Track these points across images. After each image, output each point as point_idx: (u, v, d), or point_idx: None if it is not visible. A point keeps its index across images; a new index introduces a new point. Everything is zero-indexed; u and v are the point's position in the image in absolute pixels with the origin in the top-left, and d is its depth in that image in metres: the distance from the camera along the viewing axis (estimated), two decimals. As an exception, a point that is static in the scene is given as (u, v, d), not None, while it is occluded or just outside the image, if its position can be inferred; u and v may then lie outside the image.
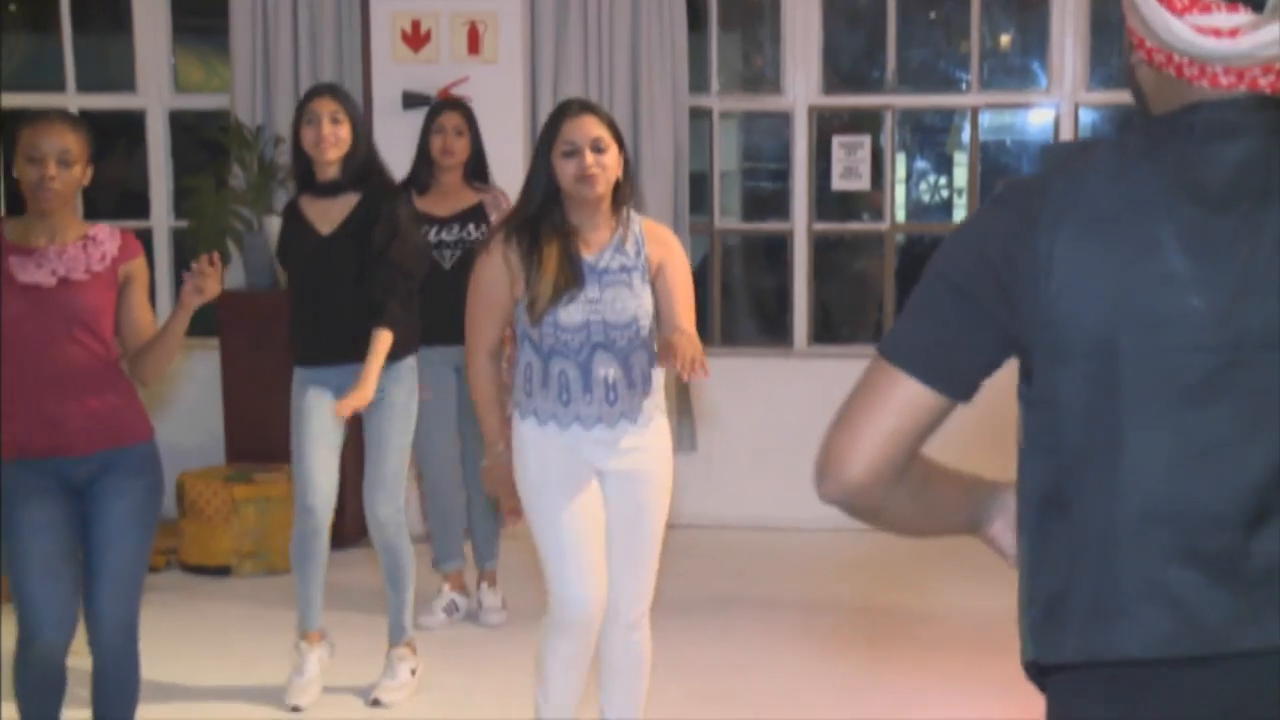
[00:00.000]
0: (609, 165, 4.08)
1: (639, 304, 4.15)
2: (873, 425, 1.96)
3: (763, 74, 8.42)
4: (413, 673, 5.36)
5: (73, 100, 8.02)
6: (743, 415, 7.77)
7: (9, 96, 8.17)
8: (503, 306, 4.18)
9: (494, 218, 5.96)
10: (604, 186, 4.09)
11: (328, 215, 5.19)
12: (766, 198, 8.91)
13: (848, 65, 8.39)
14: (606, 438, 4.17)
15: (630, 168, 4.23)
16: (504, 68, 7.39)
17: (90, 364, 4.07)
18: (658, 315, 4.21)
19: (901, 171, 8.61)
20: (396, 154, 7.32)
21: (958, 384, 1.97)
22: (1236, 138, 1.84)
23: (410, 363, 5.32)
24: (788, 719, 5.12)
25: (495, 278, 4.15)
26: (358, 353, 5.04)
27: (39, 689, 4.16)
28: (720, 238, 8.21)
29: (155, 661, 5.49)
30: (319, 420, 5.20)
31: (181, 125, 8.10)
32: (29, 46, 9.25)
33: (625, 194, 4.19)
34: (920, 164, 9.49)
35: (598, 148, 4.06)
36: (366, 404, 4.98)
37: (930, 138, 9.41)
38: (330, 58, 7.52)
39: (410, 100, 7.31)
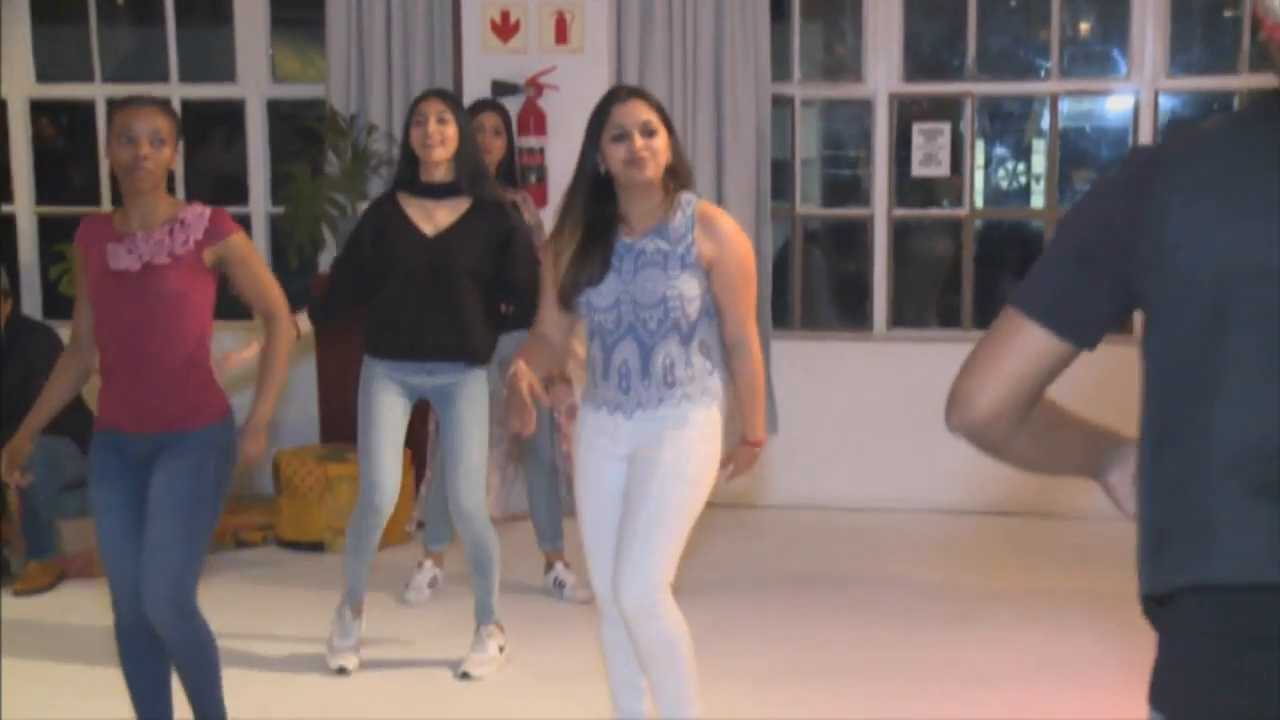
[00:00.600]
0: (659, 149, 3.99)
1: (669, 286, 3.99)
2: (998, 367, 2.07)
3: (844, 62, 8.36)
4: (500, 649, 5.36)
5: (175, 90, 8.08)
6: (822, 398, 7.74)
7: (115, 87, 8.25)
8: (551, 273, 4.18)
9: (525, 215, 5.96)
10: (654, 170, 3.99)
11: (432, 217, 5.15)
12: (847, 184, 8.86)
13: (928, 53, 8.32)
14: (624, 425, 4.10)
15: (682, 152, 4.14)
16: (590, 57, 7.38)
17: (167, 349, 4.10)
18: (718, 311, 4.11)
19: (980, 158, 8.53)
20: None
21: (1080, 332, 2.03)
22: None
23: (483, 384, 5.28)
24: (866, 693, 5.08)
25: (549, 263, 4.15)
26: (439, 354, 5.10)
27: (131, 655, 4.25)
28: (801, 223, 8.16)
29: (245, 622, 5.56)
30: (390, 420, 5.21)
31: (278, 114, 8.15)
32: (135, 39, 9.34)
33: (680, 178, 4.09)
34: (999, 150, 9.40)
35: (647, 131, 3.97)
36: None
37: (1009, 124, 9.31)
38: (422, 48, 7.54)
39: (499, 89, 7.31)
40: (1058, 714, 4.88)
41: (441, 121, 5.09)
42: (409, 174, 5.23)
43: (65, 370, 4.30)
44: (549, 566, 6.23)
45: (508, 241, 5.15)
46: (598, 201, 4.07)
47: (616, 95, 4.10)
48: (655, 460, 4.01)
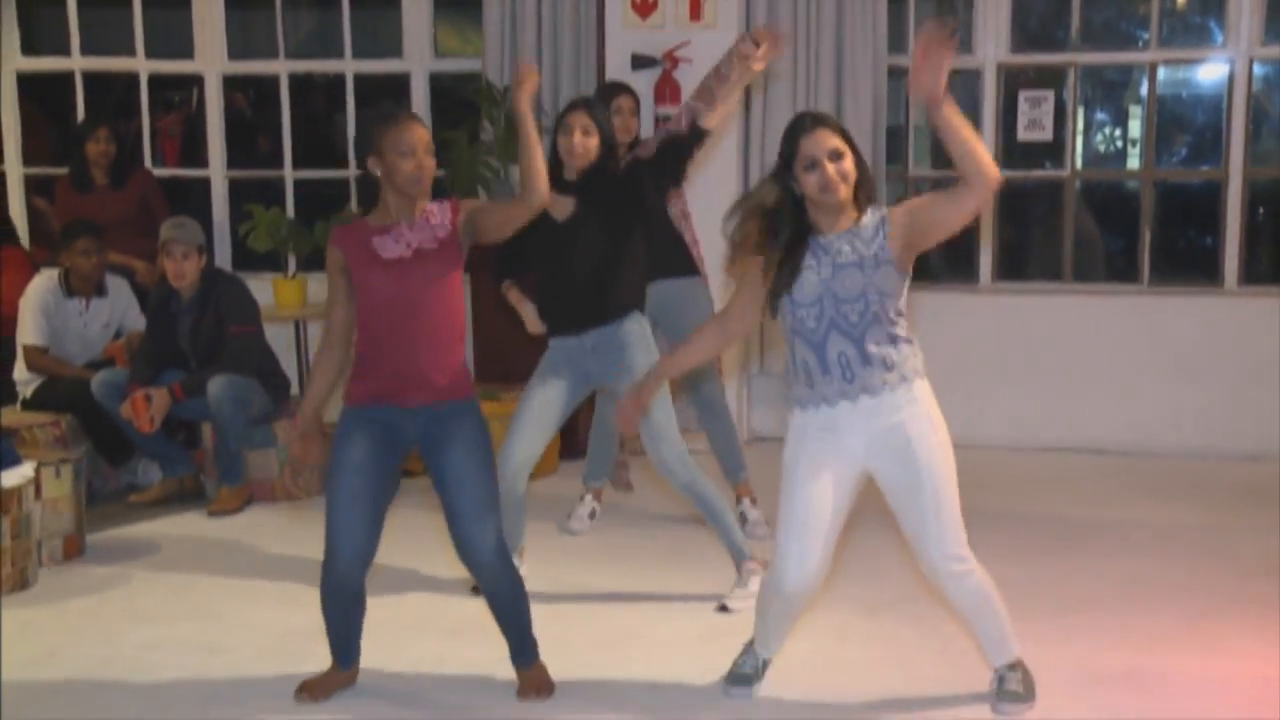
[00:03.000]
0: (848, 171, 3.93)
1: (868, 281, 3.96)
2: None
3: (955, 35, 8.19)
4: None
5: (348, 65, 8.12)
6: (932, 344, 7.49)
7: (296, 63, 8.31)
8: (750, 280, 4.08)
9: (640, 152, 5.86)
10: (845, 192, 3.93)
11: (563, 206, 5.11)
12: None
13: (1034, 25, 8.13)
14: (853, 412, 4.02)
15: (866, 167, 4.03)
16: (722, 32, 7.28)
17: (439, 327, 4.13)
18: (933, 224, 3.98)
19: (1081, 124, 8.34)
20: (625, 109, 7.33)
21: None
22: None
23: (640, 324, 5.20)
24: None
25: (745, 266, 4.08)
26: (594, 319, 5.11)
27: (338, 605, 4.27)
28: (914, 184, 8.05)
29: (405, 545, 5.60)
30: (541, 389, 5.15)
31: (440, 86, 8.16)
32: (314, 20, 9.41)
33: (866, 192, 4.02)
34: (1099, 116, 9.19)
35: (835, 157, 3.91)
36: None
37: (1109, 92, 9.10)
38: (569, 25, 7.52)
39: (638, 62, 7.26)
40: (1150, 635, 4.77)
41: (585, 134, 5.06)
42: (554, 171, 5.09)
43: (326, 366, 4.21)
44: (738, 500, 6.11)
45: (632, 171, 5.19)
46: (796, 221, 4.00)
47: (802, 126, 3.99)
48: (908, 433, 4.04)
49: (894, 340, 4.04)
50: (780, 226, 4.00)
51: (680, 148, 5.18)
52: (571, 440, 6.98)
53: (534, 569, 5.34)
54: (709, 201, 7.36)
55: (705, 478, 5.19)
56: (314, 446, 4.23)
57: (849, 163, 3.94)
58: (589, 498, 6.17)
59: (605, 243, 5.11)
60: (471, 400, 4.20)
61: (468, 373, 4.23)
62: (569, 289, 5.12)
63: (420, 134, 4.12)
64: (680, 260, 5.98)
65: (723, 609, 5.09)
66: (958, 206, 3.89)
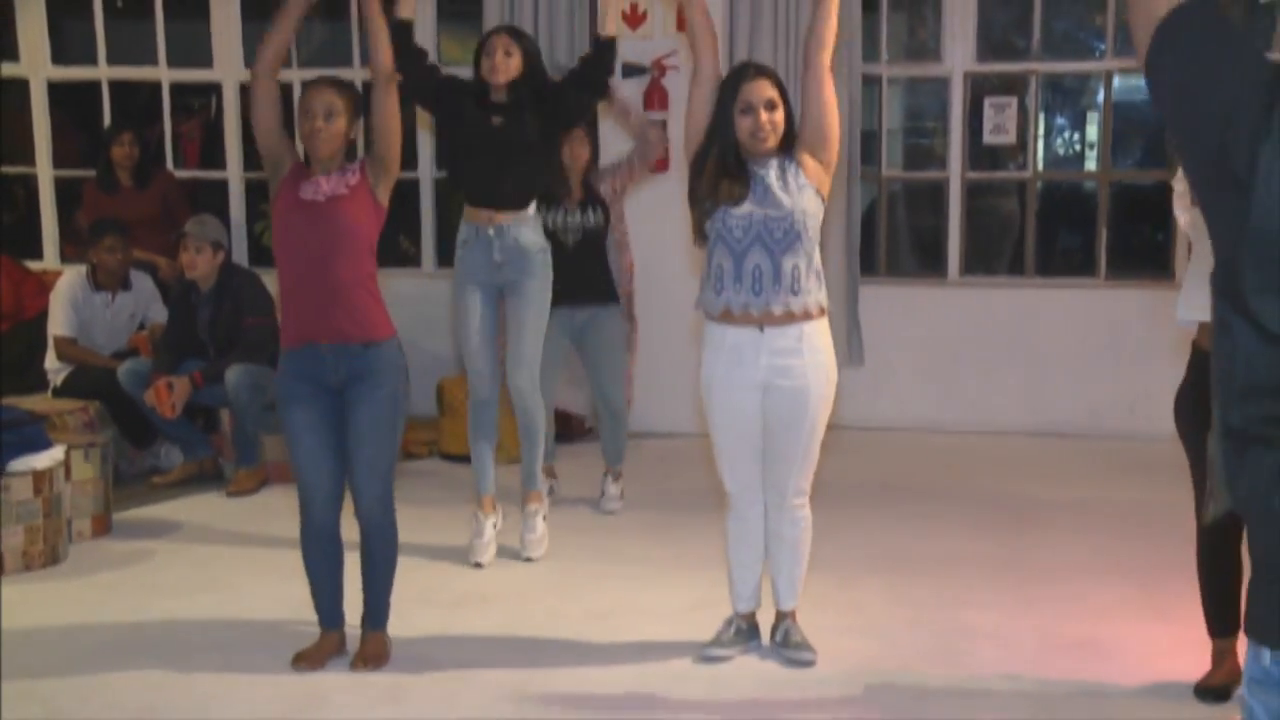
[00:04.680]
0: (779, 122, 4.02)
1: (794, 202, 4.03)
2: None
3: (925, 45, 8.20)
4: (544, 519, 5.41)
5: (356, 73, 8.08)
6: (903, 334, 7.65)
7: (307, 71, 8.28)
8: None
9: (603, 188, 6.00)
10: (774, 140, 4.04)
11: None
12: (925, 151, 8.73)
13: (999, 36, 8.13)
14: (758, 343, 4.07)
15: (794, 121, 4.12)
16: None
17: (346, 273, 4.11)
18: (810, 122, 4.08)
19: (1042, 128, 8.36)
20: (616, 116, 7.33)
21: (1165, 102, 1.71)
22: None
23: (542, 251, 5.29)
24: (939, 585, 5.02)
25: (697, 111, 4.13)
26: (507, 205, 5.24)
27: (319, 552, 4.30)
28: (886, 185, 8.04)
29: (412, 523, 5.59)
30: (479, 315, 5.25)
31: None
32: (325, 31, 9.37)
33: (789, 143, 4.09)
34: (1059, 121, 9.20)
35: (770, 107, 4.00)
36: None
37: (1069, 98, 9.11)
38: (563, 35, 7.48)
39: (628, 70, 7.24)
40: (1107, 604, 4.79)
41: (507, 54, 5.12)
42: (481, 93, 5.22)
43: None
44: (605, 474, 6.18)
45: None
46: (730, 159, 4.05)
47: (745, 73, 4.08)
48: (806, 387, 4.09)
49: (808, 264, 4.07)
50: (718, 164, 4.05)
51: (593, 60, 5.28)
52: (566, 426, 6.99)
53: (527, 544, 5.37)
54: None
55: (542, 411, 5.36)
56: None
57: (780, 115, 4.02)
58: (610, 478, 6.16)
59: (531, 144, 5.17)
60: (389, 344, 4.18)
61: (383, 314, 4.20)
62: (495, 179, 5.19)
63: (323, 98, 4.08)
64: (604, 288, 6.00)
65: (529, 560, 5.30)
66: (818, 100, 4.04)
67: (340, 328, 4.12)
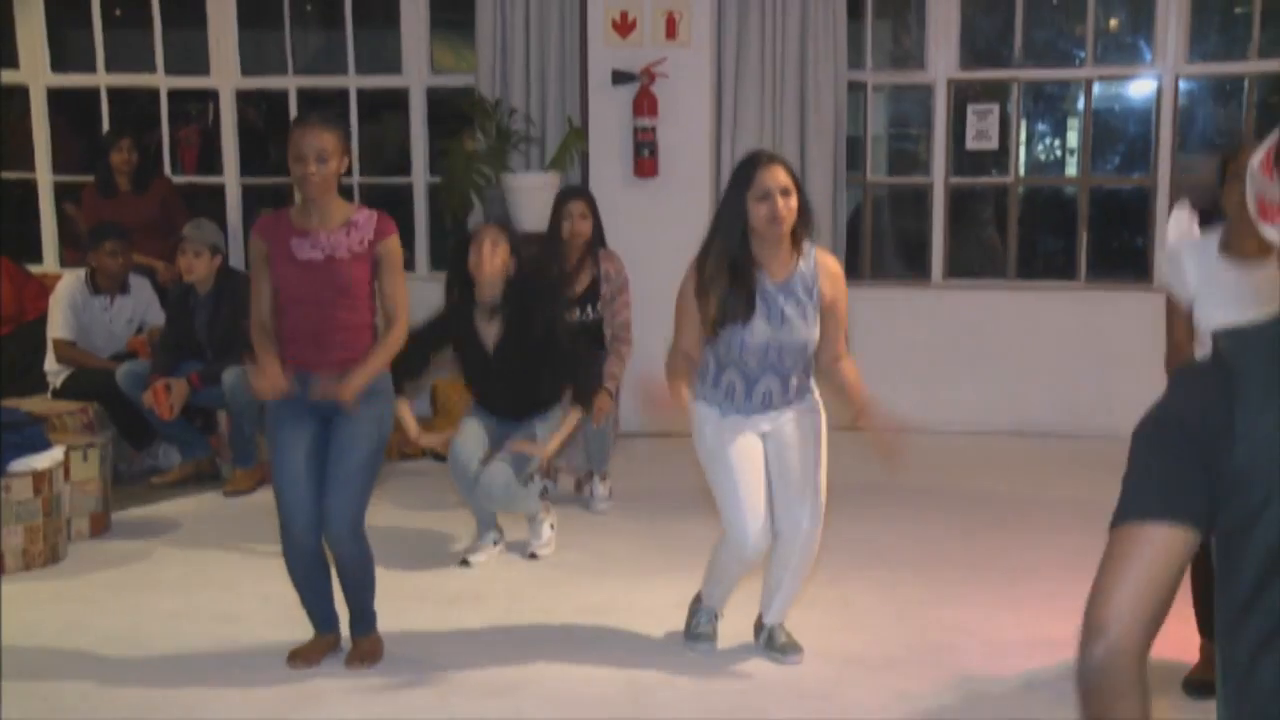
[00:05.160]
0: (794, 208, 4.00)
1: (810, 333, 4.07)
2: (1129, 580, 1.70)
3: (909, 53, 8.19)
4: (551, 527, 5.45)
5: (352, 81, 8.08)
6: (889, 335, 7.64)
7: (303, 79, 8.27)
8: (693, 315, 4.07)
9: (604, 288, 5.99)
10: (789, 226, 4.00)
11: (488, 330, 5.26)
12: (910, 156, 8.72)
13: (982, 44, 8.12)
14: (764, 416, 4.16)
15: (807, 207, 4.09)
16: (695, 50, 7.27)
17: (344, 321, 4.12)
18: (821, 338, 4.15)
19: (1024, 134, 8.35)
20: (607, 123, 7.31)
21: (1196, 512, 1.66)
22: None
23: (555, 411, 5.37)
24: (925, 582, 5.02)
25: (688, 289, 4.07)
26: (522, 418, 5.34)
27: (301, 569, 4.28)
28: (871, 190, 8.03)
29: (405, 523, 5.59)
30: (473, 429, 5.33)
31: (436, 99, 8.10)
32: (321, 39, 9.36)
33: (802, 230, 4.07)
34: (1040, 127, 9.20)
35: (785, 193, 3.97)
36: None
37: (1050, 105, 9.11)
38: (555, 43, 7.49)
39: (618, 77, 7.24)
40: (1085, 600, 4.77)
41: (494, 244, 5.09)
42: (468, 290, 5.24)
43: (264, 347, 4.17)
44: (590, 476, 6.18)
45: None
46: (739, 247, 4.02)
47: (759, 160, 4.05)
48: (809, 430, 4.19)
49: (808, 371, 4.17)
50: (728, 250, 4.01)
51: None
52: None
53: (522, 545, 5.36)
54: (683, 218, 7.38)
55: (523, 499, 5.32)
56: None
57: (794, 201, 3.99)
58: (598, 479, 6.14)
59: (531, 367, 5.20)
60: (380, 379, 4.17)
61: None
62: (499, 401, 5.30)
63: (314, 140, 4.01)
64: (593, 341, 5.98)
65: (533, 557, 5.32)
66: (822, 353, 4.15)
67: (337, 362, 4.12)
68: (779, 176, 3.97)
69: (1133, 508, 1.72)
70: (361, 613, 4.33)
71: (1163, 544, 1.66)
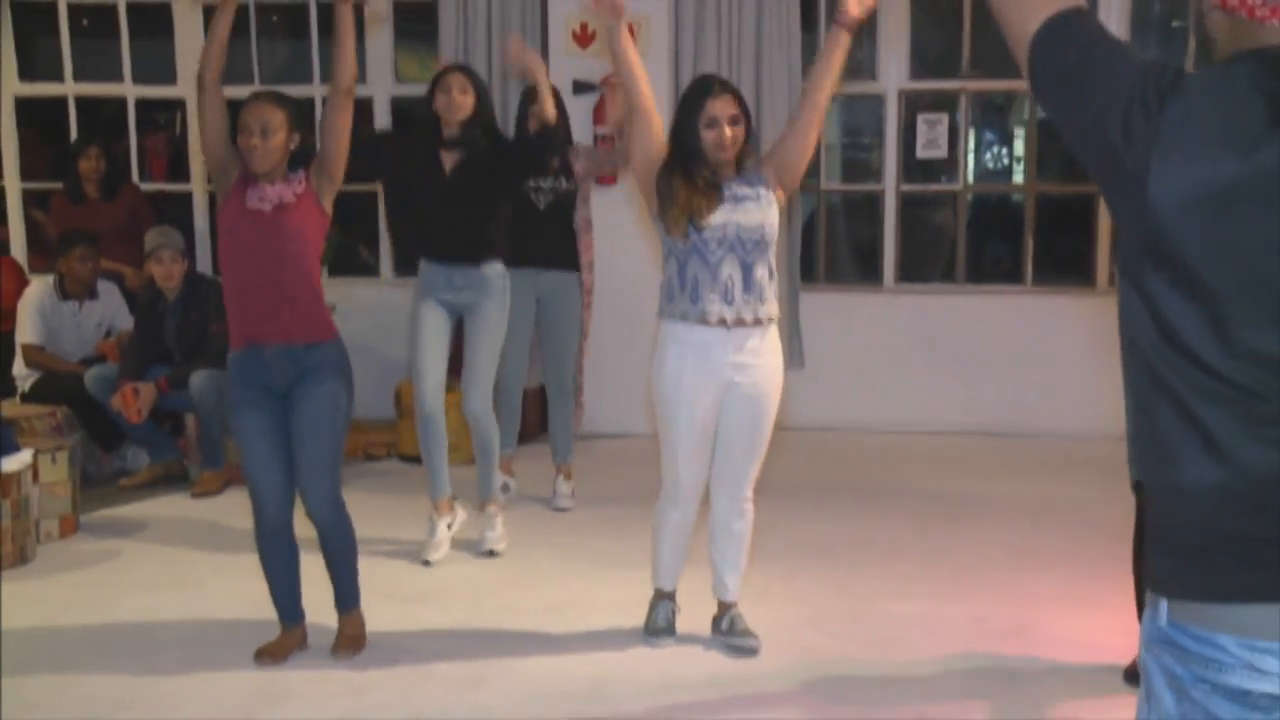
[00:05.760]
0: (740, 136, 4.06)
1: (765, 215, 4.08)
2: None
3: (861, 64, 8.22)
4: (502, 520, 5.42)
5: (317, 90, 8.04)
6: (842, 338, 7.68)
7: (270, 88, 8.21)
8: (657, 144, 4.12)
9: (577, 167, 5.96)
10: (734, 152, 4.07)
11: (449, 159, 5.22)
12: (863, 164, 8.76)
13: (931, 56, 8.17)
14: (726, 340, 4.09)
15: (752, 134, 4.17)
16: (654, 60, 7.27)
17: (291, 278, 4.08)
18: (790, 149, 4.13)
19: (972, 143, 8.41)
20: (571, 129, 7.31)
21: (1049, 96, 1.72)
22: None
23: (501, 277, 5.28)
24: (880, 576, 5.04)
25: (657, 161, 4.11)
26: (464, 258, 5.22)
27: (273, 553, 4.26)
28: (825, 196, 8.06)
29: (371, 522, 5.56)
30: (432, 329, 5.22)
31: (400, 108, 8.07)
32: (286, 50, 9.31)
33: (747, 153, 4.14)
34: (988, 136, 9.27)
35: (734, 121, 4.04)
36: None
37: (997, 115, 9.17)
38: (516, 54, 7.47)
39: (579, 87, 7.24)
40: (1035, 594, 4.82)
41: (462, 91, 5.14)
42: (434, 128, 5.22)
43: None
44: (556, 474, 6.15)
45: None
46: (692, 160, 4.06)
47: (710, 88, 4.09)
48: (764, 394, 4.14)
49: (770, 272, 4.13)
50: (683, 166, 4.06)
51: (539, 144, 5.25)
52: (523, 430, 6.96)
53: (476, 544, 5.35)
54: (643, 225, 7.39)
55: (496, 431, 5.36)
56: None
57: (742, 129, 4.06)
58: (561, 477, 6.13)
59: (481, 196, 5.16)
60: (331, 344, 4.15)
61: (326, 317, 4.18)
62: (447, 229, 5.18)
63: (259, 113, 4.01)
64: (569, 255, 5.98)
65: (490, 554, 5.29)
66: (805, 137, 4.10)
67: (285, 329, 4.09)
68: (727, 105, 4.03)
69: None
70: (346, 589, 4.32)
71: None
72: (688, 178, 4.05)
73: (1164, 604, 1.66)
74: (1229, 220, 1.56)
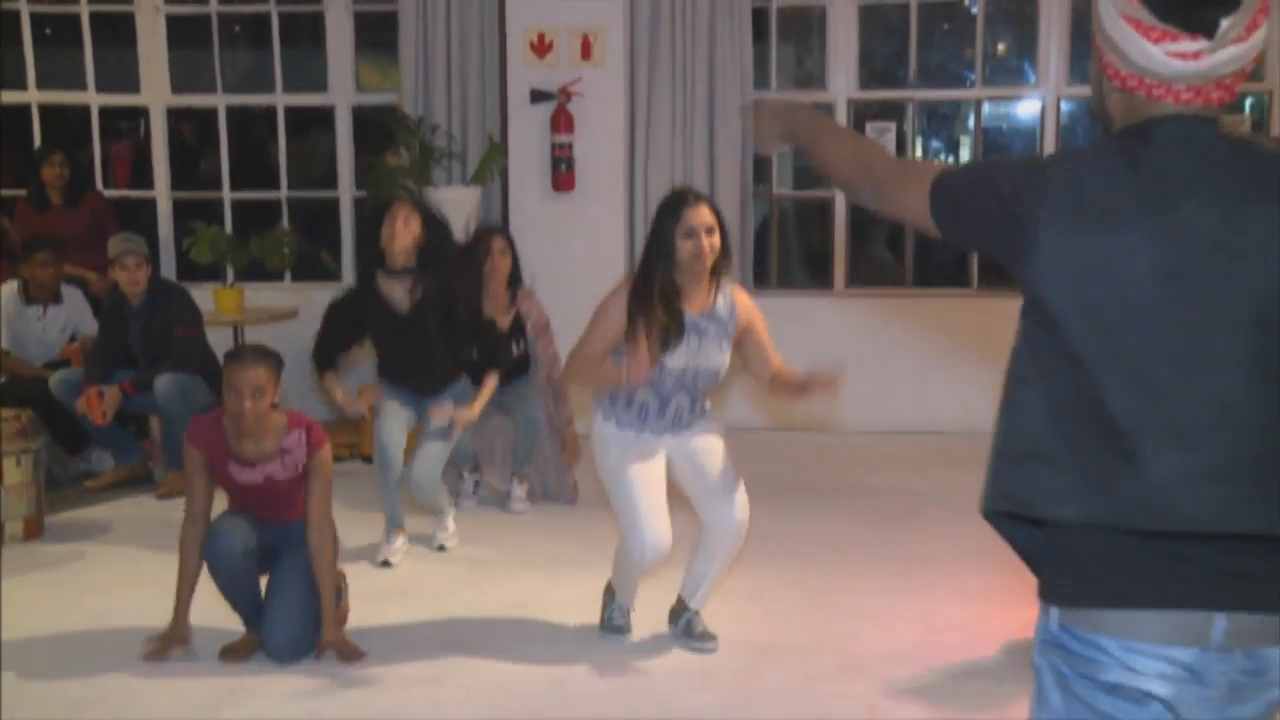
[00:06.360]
0: (716, 246, 4.05)
1: (722, 357, 4.13)
2: (902, 192, 1.99)
3: (811, 73, 8.26)
4: (453, 520, 5.46)
5: (280, 99, 7.99)
6: (794, 341, 7.60)
7: (232, 97, 8.17)
8: (611, 335, 4.06)
9: (529, 324, 5.95)
10: (710, 262, 4.05)
11: (398, 293, 5.24)
12: (814, 172, 8.79)
13: (879, 66, 8.21)
14: (669, 437, 4.20)
15: (728, 246, 4.14)
16: (609, 70, 7.28)
17: (284, 512, 4.25)
18: (746, 364, 4.25)
19: (919, 151, 8.45)
20: (526, 139, 7.30)
21: (949, 230, 1.96)
22: (1194, 143, 1.77)
23: (463, 385, 5.35)
24: (832, 572, 5.06)
25: (615, 312, 4.06)
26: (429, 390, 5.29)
27: (229, 583, 4.28)
28: (777, 203, 8.07)
29: (336, 523, 5.52)
30: (395, 411, 5.29)
31: (361, 117, 8.03)
32: (249, 59, 9.25)
33: (721, 266, 4.12)
34: (935, 144, 9.32)
35: (710, 232, 4.02)
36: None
37: (942, 124, 9.23)
38: (475, 63, 7.45)
39: (536, 96, 7.21)
40: (980, 589, 4.84)
41: (406, 223, 5.14)
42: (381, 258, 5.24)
43: (191, 545, 4.22)
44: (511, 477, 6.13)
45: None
46: (664, 278, 4.04)
47: (687, 199, 4.08)
48: (709, 443, 4.23)
49: (714, 389, 4.23)
50: (660, 280, 4.04)
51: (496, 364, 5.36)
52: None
53: (428, 538, 5.32)
54: (600, 230, 7.39)
55: (442, 495, 5.39)
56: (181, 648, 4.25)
57: (718, 239, 4.05)
58: (516, 481, 6.10)
59: (437, 333, 5.19)
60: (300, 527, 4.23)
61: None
62: (413, 369, 5.25)
63: (250, 375, 4.04)
64: (520, 368, 5.96)
65: (442, 548, 5.35)
66: (760, 374, 4.23)
67: (279, 521, 4.25)
68: (704, 215, 4.02)
69: (941, 192, 1.93)
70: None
71: (916, 205, 1.96)
72: (655, 312, 4.02)
73: (1054, 611, 1.82)
74: (1097, 287, 1.75)
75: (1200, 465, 1.69)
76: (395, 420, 5.28)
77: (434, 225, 5.22)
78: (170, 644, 4.22)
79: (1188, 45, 1.74)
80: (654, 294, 4.02)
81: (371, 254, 5.25)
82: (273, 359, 4.17)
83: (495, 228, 6.28)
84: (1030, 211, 1.78)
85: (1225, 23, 1.73)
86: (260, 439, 4.15)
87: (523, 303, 5.99)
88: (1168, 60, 1.75)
